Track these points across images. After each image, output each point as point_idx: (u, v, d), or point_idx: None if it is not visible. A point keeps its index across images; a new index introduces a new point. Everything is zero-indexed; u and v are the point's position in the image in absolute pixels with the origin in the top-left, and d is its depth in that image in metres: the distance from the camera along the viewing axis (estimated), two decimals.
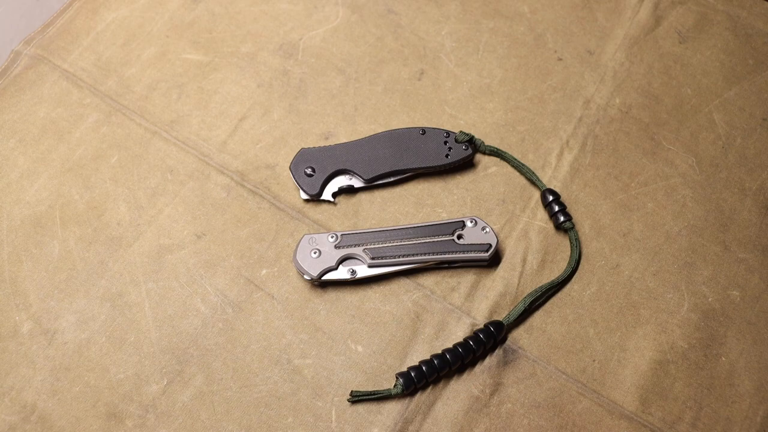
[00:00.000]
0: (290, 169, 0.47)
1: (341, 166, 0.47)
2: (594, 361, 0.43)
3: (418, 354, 0.43)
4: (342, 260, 0.43)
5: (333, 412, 0.41)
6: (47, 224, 0.46)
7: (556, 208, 0.46)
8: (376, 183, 0.47)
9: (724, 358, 0.43)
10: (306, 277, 0.43)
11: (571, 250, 0.45)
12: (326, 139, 0.50)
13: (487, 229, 0.44)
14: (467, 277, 0.45)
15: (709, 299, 0.44)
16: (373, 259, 0.43)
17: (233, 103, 0.51)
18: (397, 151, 0.47)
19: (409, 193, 0.48)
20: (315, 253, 0.43)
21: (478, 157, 0.49)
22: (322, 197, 0.47)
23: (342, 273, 0.43)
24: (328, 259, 0.43)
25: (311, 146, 0.48)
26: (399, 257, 0.43)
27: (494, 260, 0.45)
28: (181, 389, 0.41)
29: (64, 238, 0.46)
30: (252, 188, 0.47)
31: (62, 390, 0.41)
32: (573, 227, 0.46)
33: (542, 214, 0.47)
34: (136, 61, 0.52)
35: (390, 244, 0.43)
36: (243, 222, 0.46)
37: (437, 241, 0.44)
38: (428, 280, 0.45)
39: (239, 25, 0.54)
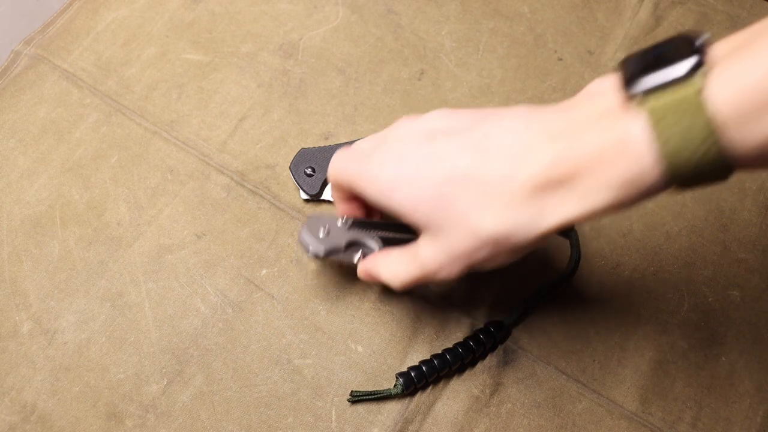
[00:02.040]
0: (290, 169, 0.47)
1: None
2: (594, 361, 0.43)
3: (418, 354, 0.43)
4: (350, 244, 0.40)
5: (333, 412, 0.41)
6: (47, 224, 0.46)
7: None
8: None
9: (724, 358, 0.43)
10: (311, 254, 0.40)
11: (571, 250, 0.45)
12: (326, 139, 0.50)
13: None
14: (467, 277, 0.45)
15: (709, 299, 0.44)
16: (386, 245, 0.40)
17: (233, 103, 0.51)
18: None
19: None
20: (323, 231, 0.40)
21: None
22: (322, 197, 0.47)
23: (350, 256, 0.40)
24: (336, 240, 0.40)
25: (311, 146, 0.48)
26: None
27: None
28: (181, 389, 0.41)
29: (64, 238, 0.46)
30: (252, 188, 0.48)
31: (62, 390, 0.41)
32: (573, 227, 0.46)
33: None
34: (136, 61, 0.52)
35: (402, 236, 0.42)
36: (243, 222, 0.46)
37: None
38: None
39: (239, 25, 0.54)
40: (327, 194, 0.47)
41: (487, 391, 0.42)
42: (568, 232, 0.46)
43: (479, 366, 0.42)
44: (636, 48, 0.53)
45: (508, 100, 0.51)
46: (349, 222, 0.40)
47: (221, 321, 0.43)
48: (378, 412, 0.41)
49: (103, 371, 0.42)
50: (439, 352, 0.41)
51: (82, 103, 0.51)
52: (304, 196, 0.46)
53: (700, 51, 0.25)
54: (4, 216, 0.47)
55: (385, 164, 0.33)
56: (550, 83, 0.52)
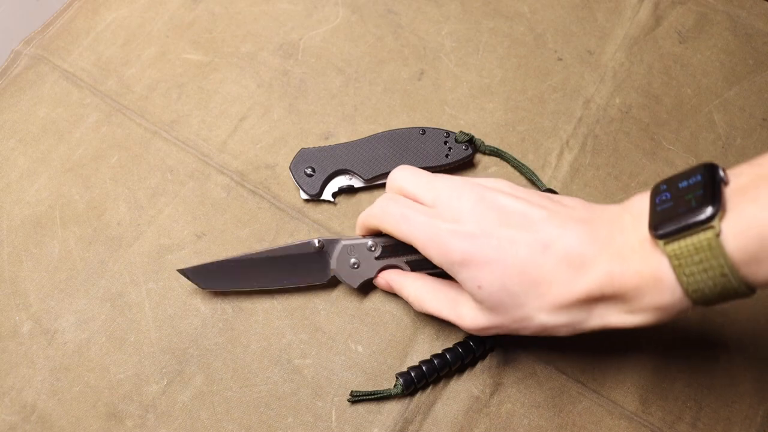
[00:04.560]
0: (290, 169, 0.47)
1: (341, 166, 0.47)
2: (594, 361, 0.43)
3: (418, 354, 0.43)
4: (382, 270, 0.42)
5: (333, 412, 0.41)
6: (47, 224, 0.46)
7: None
8: (376, 183, 0.47)
9: (724, 358, 0.43)
10: (349, 285, 0.42)
11: None
12: (326, 139, 0.50)
13: None
14: None
15: None
16: (414, 271, 0.42)
17: (233, 103, 0.51)
18: (397, 151, 0.47)
19: None
20: (354, 264, 0.42)
21: (478, 157, 0.49)
22: (322, 197, 0.47)
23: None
24: (368, 271, 0.42)
25: (311, 146, 0.48)
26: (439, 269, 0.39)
27: None
28: (181, 389, 0.41)
29: (64, 238, 0.46)
30: (252, 188, 0.48)
31: (62, 390, 0.41)
32: None
33: None
34: (136, 61, 0.52)
35: (431, 266, 0.40)
36: (243, 222, 0.46)
37: None
38: None
39: (239, 25, 0.54)
40: (327, 194, 0.47)
41: (487, 391, 0.42)
42: None
43: (479, 366, 0.42)
44: (636, 48, 0.53)
45: (508, 100, 0.51)
46: (379, 249, 0.42)
47: (221, 321, 0.43)
48: (378, 412, 0.41)
49: (103, 371, 0.42)
50: (439, 352, 0.41)
51: (82, 103, 0.51)
52: (304, 196, 0.47)
53: (718, 192, 0.29)
54: (5, 216, 0.47)
55: (458, 237, 0.34)
56: (550, 83, 0.52)
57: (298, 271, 0.42)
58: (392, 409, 0.41)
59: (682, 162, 0.49)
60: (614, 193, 0.48)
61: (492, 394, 0.42)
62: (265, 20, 0.54)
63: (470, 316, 0.36)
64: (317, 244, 0.42)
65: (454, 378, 0.42)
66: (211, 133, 0.50)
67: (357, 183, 0.47)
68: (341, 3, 0.55)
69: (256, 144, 0.49)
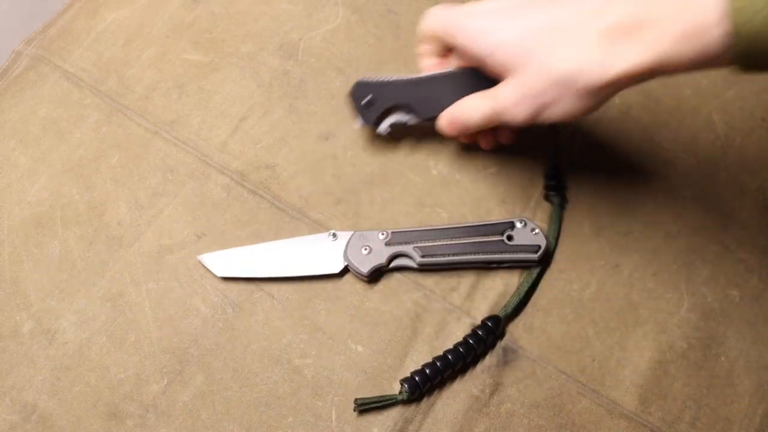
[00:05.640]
0: (350, 95, 0.45)
1: (402, 101, 0.45)
2: (593, 360, 0.43)
3: (418, 354, 0.43)
4: (392, 257, 0.44)
5: (333, 412, 0.41)
6: (48, 224, 0.46)
7: (550, 181, 0.47)
8: (428, 120, 0.45)
9: (723, 358, 0.43)
10: (360, 272, 0.44)
11: (551, 223, 0.46)
12: (326, 139, 0.50)
13: (536, 231, 0.44)
14: (467, 277, 0.45)
15: (709, 299, 0.44)
16: (423, 257, 0.43)
17: (233, 103, 0.51)
18: (457, 93, 0.43)
19: (409, 193, 0.48)
20: (365, 249, 0.44)
21: None
22: (379, 130, 0.46)
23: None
24: (379, 256, 0.44)
25: (368, 79, 0.46)
26: (449, 256, 0.43)
27: (543, 261, 0.45)
28: (181, 389, 0.42)
29: (65, 238, 0.46)
30: (252, 188, 0.48)
31: (63, 390, 0.41)
32: (559, 202, 0.46)
33: (542, 214, 0.47)
34: (137, 62, 0.52)
35: (440, 243, 0.44)
36: (243, 222, 0.46)
37: (487, 241, 0.44)
38: (428, 280, 0.45)
39: (239, 25, 0.54)
40: (383, 127, 0.46)
41: (487, 391, 0.42)
42: (553, 204, 0.46)
43: (479, 366, 0.42)
44: None
45: None
46: (389, 236, 0.44)
47: (221, 321, 0.43)
48: (378, 412, 0.41)
49: (103, 371, 0.42)
50: (440, 353, 0.41)
51: (83, 103, 0.51)
52: (360, 124, 0.46)
53: None
54: (5, 216, 0.47)
55: (477, 16, 0.38)
56: None
57: (312, 260, 0.44)
58: (392, 408, 0.41)
59: (681, 162, 0.49)
60: (614, 193, 0.48)
61: (492, 394, 0.42)
62: (265, 20, 0.54)
63: (507, 92, 0.37)
64: (332, 234, 0.44)
65: (454, 378, 0.42)
66: (211, 133, 0.50)
67: (412, 120, 0.45)
68: (341, 3, 0.55)
69: (256, 144, 0.49)
